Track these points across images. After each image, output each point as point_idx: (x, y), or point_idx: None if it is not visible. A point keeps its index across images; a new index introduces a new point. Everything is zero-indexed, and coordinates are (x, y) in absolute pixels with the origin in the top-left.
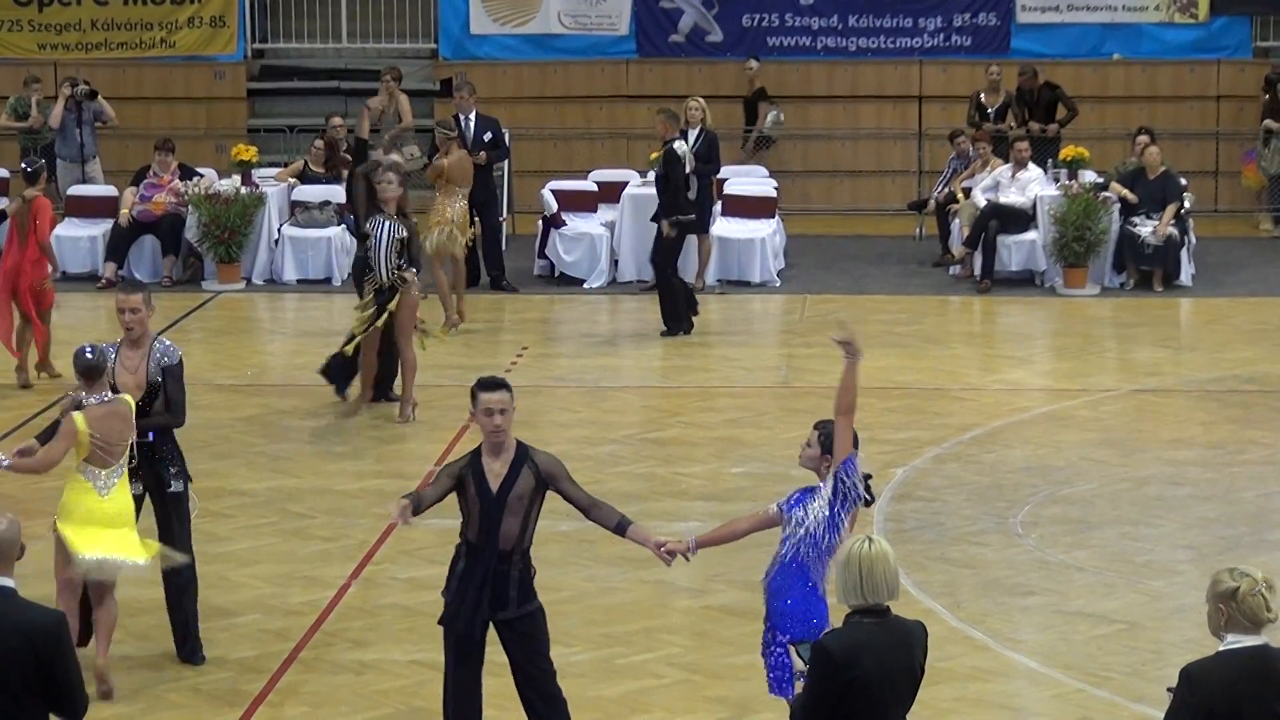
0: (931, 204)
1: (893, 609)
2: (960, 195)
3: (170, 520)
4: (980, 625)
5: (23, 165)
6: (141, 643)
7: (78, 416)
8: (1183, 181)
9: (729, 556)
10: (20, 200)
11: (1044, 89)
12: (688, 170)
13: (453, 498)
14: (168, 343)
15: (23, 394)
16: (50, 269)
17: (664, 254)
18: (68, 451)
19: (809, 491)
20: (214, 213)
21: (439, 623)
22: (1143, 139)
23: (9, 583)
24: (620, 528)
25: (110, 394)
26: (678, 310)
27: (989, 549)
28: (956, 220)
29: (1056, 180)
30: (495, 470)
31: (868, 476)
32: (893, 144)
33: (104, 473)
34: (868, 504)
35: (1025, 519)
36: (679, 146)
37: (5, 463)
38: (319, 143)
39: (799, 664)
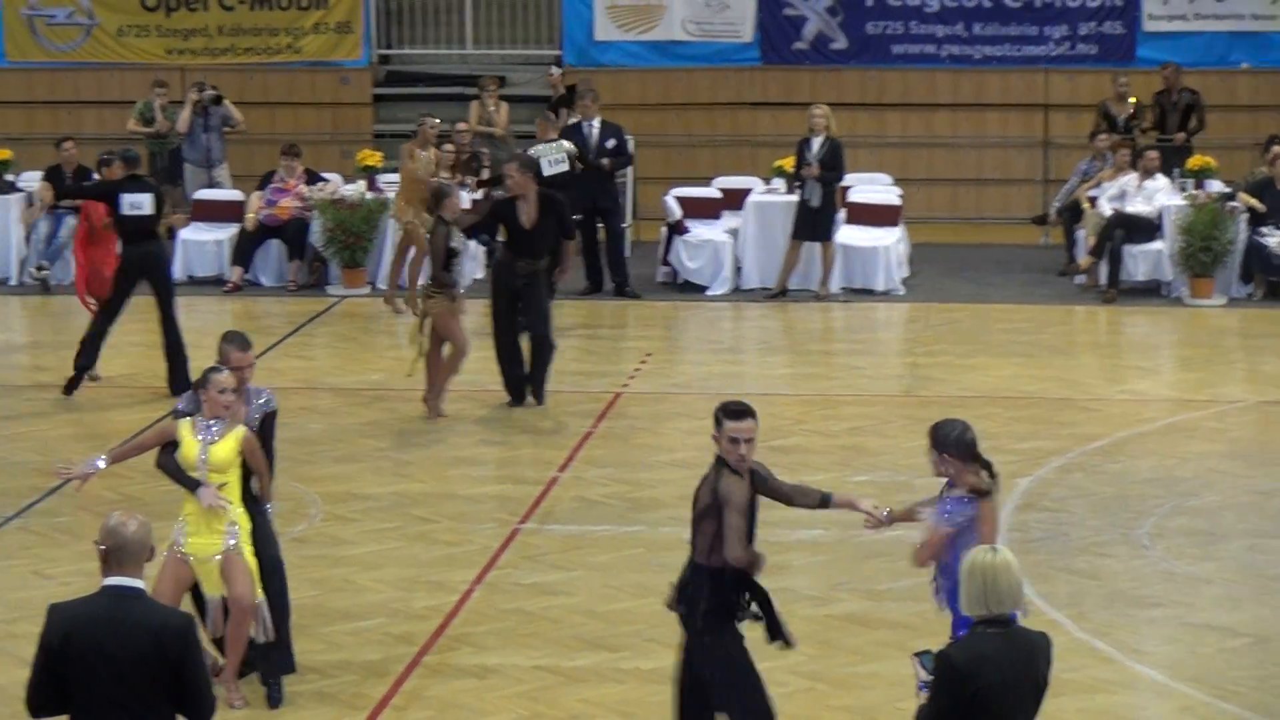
0: (1052, 215)
1: (1017, 619)
2: (1085, 205)
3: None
4: (1105, 637)
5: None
6: None
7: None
8: None
9: (852, 566)
10: None
11: (1184, 92)
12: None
13: None
14: (264, 391)
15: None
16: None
17: None
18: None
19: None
20: (339, 217)
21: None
22: (1277, 149)
23: (138, 584)
24: (824, 501)
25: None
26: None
27: (1114, 560)
28: (1082, 229)
29: (1183, 190)
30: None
31: (987, 465)
32: (1018, 152)
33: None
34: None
35: (1151, 530)
36: (535, 150)
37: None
38: (448, 147)
39: (922, 674)
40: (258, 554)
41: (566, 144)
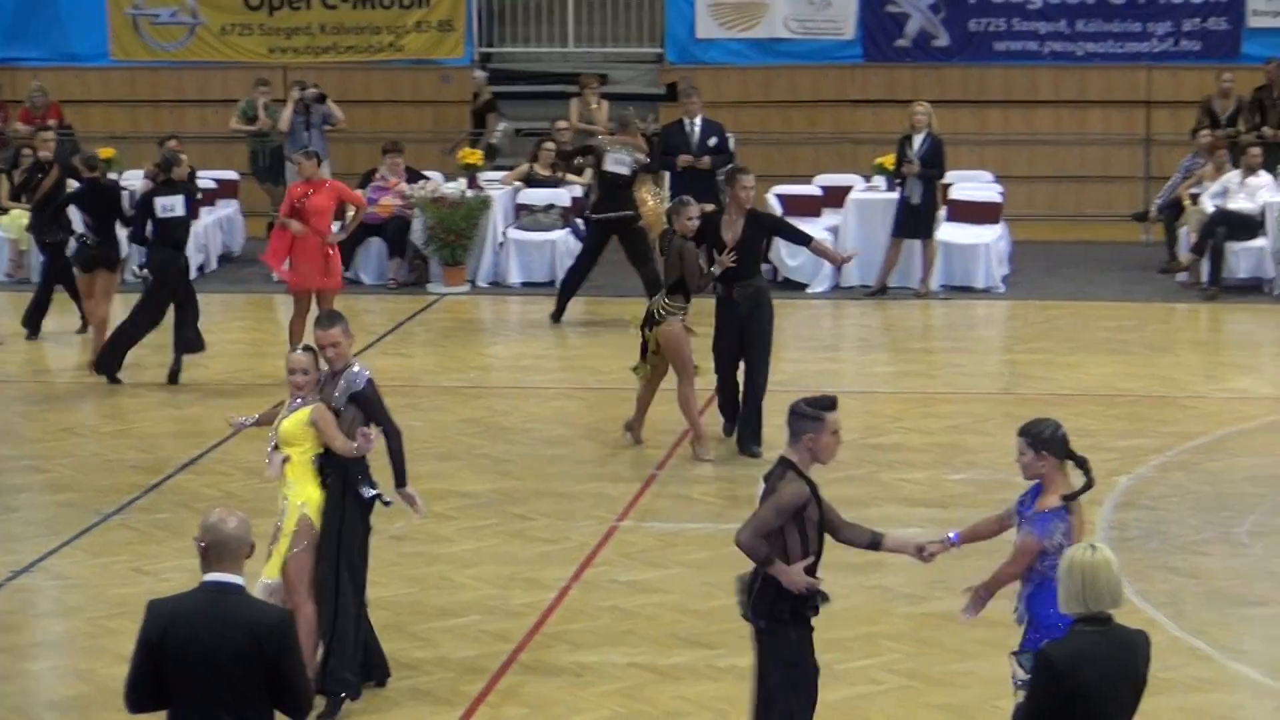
0: (1153, 212)
1: (1115, 618)
2: (1187, 202)
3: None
4: (1203, 636)
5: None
6: None
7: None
8: None
9: (950, 563)
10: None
11: None
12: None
13: None
14: (356, 368)
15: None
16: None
17: None
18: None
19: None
20: (440, 216)
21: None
22: None
23: (237, 580)
24: (874, 543)
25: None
26: None
27: (1213, 559)
28: (1184, 227)
29: None
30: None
31: (1082, 462)
32: (1119, 149)
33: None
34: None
35: (1251, 529)
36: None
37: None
38: (550, 145)
39: (1020, 673)
40: (322, 549)
41: (641, 156)
